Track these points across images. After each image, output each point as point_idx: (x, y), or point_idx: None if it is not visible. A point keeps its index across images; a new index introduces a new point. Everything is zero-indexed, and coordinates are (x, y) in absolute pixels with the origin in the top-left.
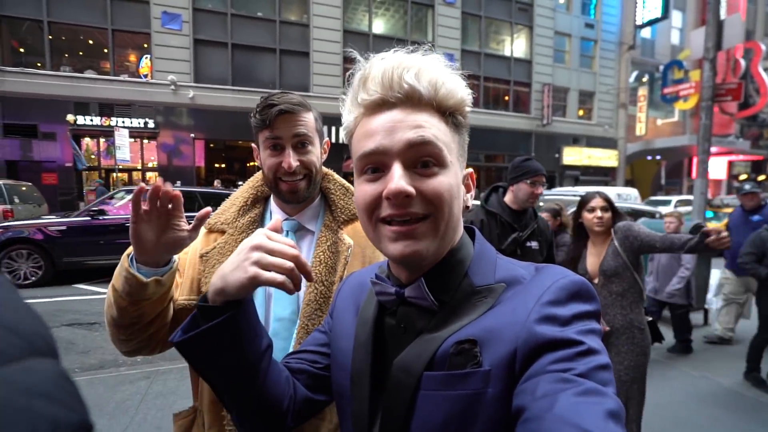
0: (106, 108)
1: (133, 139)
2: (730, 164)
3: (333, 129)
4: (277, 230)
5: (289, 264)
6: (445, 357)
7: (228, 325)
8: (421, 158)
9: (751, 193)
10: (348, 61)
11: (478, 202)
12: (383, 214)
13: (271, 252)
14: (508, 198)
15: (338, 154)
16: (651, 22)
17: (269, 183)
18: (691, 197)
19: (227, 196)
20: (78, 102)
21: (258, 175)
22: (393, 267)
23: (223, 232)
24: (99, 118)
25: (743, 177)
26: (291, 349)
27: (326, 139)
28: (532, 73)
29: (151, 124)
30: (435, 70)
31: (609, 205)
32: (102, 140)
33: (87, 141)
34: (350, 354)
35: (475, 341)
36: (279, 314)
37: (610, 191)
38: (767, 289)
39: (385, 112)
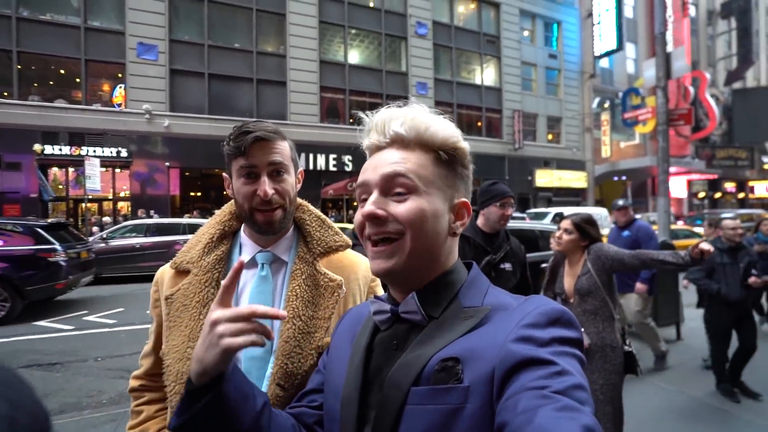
0: (77, 137)
1: (104, 169)
2: (689, 183)
3: (310, 156)
4: (237, 272)
5: (250, 325)
6: (430, 373)
7: (218, 401)
8: (394, 188)
9: (622, 208)
10: (324, 90)
11: None
12: (366, 233)
13: (231, 320)
14: (480, 222)
15: (317, 181)
16: (607, 53)
17: (243, 213)
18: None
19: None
20: (46, 131)
21: (225, 209)
22: (390, 288)
23: (188, 272)
24: (69, 147)
25: (702, 195)
26: (263, 389)
27: (300, 168)
28: (502, 100)
29: (124, 153)
30: (419, 117)
31: (575, 228)
32: (71, 170)
33: (54, 171)
34: (343, 378)
35: (458, 359)
36: (251, 353)
37: (581, 211)
38: (716, 303)
39: (377, 153)
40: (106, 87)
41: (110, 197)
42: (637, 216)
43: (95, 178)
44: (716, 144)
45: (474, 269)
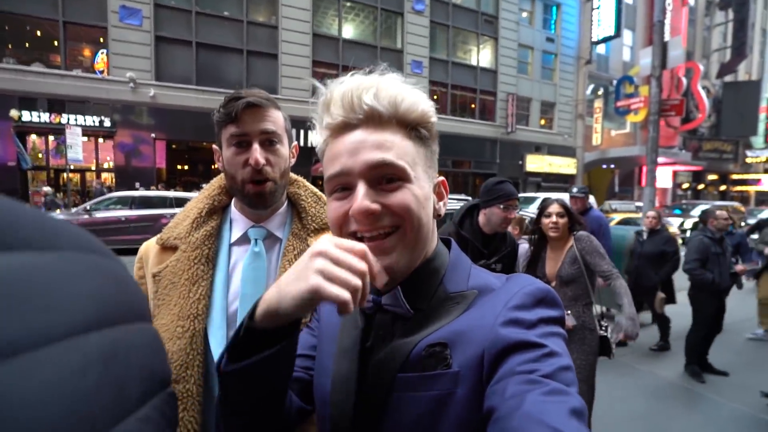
0: (57, 104)
1: (86, 138)
2: (675, 174)
3: (302, 132)
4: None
5: (357, 281)
6: (417, 359)
7: (278, 355)
8: (383, 176)
9: (578, 197)
10: (317, 64)
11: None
12: (351, 229)
13: (337, 262)
14: (481, 220)
15: (307, 158)
16: (605, 39)
17: (234, 185)
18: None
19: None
20: (23, 97)
21: (214, 182)
22: None
23: (176, 248)
24: (48, 114)
25: (686, 186)
26: None
27: (294, 143)
28: (497, 82)
29: (107, 123)
30: (393, 88)
31: (565, 212)
32: (51, 138)
33: (33, 138)
34: (332, 358)
35: (445, 344)
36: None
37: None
38: (706, 291)
39: (348, 133)
40: (86, 52)
41: (93, 168)
42: (596, 206)
43: (77, 147)
44: (703, 136)
45: (454, 248)
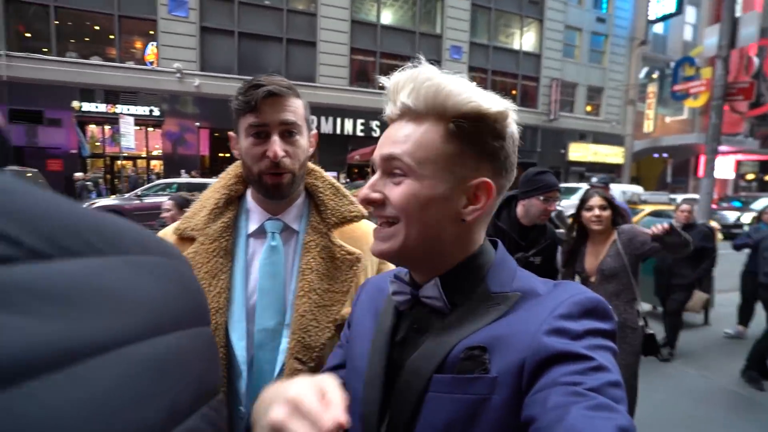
0: (112, 95)
1: (138, 127)
2: (738, 163)
3: (338, 120)
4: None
5: None
6: (455, 361)
7: None
8: (393, 169)
9: (599, 186)
10: (355, 51)
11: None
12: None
13: (302, 415)
14: (519, 212)
15: (343, 145)
16: (664, 18)
17: (251, 176)
18: (696, 196)
19: None
20: (84, 88)
21: (230, 171)
22: (409, 269)
23: (193, 239)
24: (104, 105)
25: (751, 176)
26: (278, 363)
27: (314, 131)
28: (540, 67)
29: (156, 112)
30: (430, 83)
31: (608, 204)
32: (107, 127)
33: (92, 128)
34: (366, 357)
35: (485, 348)
36: (264, 324)
37: (615, 188)
38: None
39: (391, 126)
40: (138, 44)
41: (144, 155)
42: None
43: (129, 136)
44: None
45: (500, 249)
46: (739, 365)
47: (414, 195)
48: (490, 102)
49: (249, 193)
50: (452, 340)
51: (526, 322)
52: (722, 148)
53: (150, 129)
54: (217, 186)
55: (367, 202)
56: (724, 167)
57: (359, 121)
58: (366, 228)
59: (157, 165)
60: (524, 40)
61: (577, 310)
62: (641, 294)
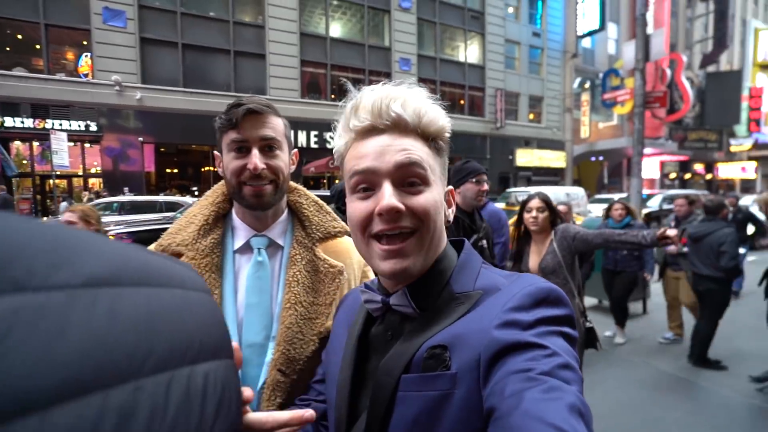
0: (40, 109)
1: (72, 143)
2: (662, 164)
3: (291, 133)
4: (248, 400)
5: None
6: (420, 361)
7: None
8: (408, 178)
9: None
10: (305, 64)
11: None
12: (375, 230)
13: None
14: (458, 200)
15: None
16: (590, 33)
17: (232, 189)
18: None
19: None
20: (5, 102)
21: (217, 189)
22: (382, 278)
23: (179, 255)
24: (32, 119)
25: (673, 176)
26: (262, 377)
27: (295, 150)
28: (485, 78)
29: (93, 127)
30: (419, 101)
31: (546, 206)
32: (35, 144)
33: (17, 145)
34: (338, 367)
35: (445, 347)
36: (250, 340)
37: (560, 191)
38: (729, 284)
39: (374, 137)
40: (70, 55)
41: (80, 173)
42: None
43: (63, 153)
44: (689, 126)
45: (465, 249)
46: (677, 350)
47: (434, 202)
48: (449, 125)
49: (234, 211)
50: (418, 342)
51: (481, 318)
52: (647, 150)
53: (87, 145)
54: (204, 203)
55: (395, 212)
56: (651, 168)
57: (313, 133)
58: (347, 242)
59: (96, 183)
60: (468, 52)
61: (528, 301)
62: (592, 289)
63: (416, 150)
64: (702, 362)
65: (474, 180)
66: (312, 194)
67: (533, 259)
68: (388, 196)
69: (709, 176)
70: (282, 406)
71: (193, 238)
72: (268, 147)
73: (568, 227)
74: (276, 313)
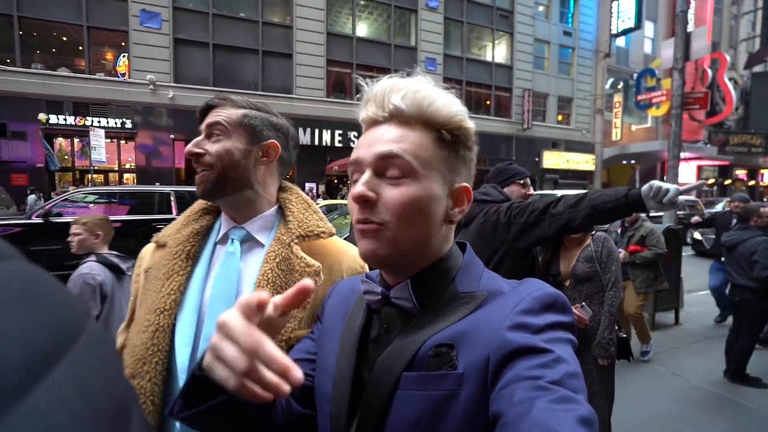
0: (81, 107)
1: (109, 140)
2: (699, 169)
3: (316, 131)
4: (259, 305)
5: (242, 363)
6: (423, 359)
7: (231, 405)
8: (388, 169)
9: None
10: (331, 63)
11: None
12: (354, 216)
13: (228, 336)
14: None
15: (322, 156)
16: (625, 32)
17: None
18: None
19: None
20: (51, 100)
21: None
22: (383, 271)
23: (165, 245)
24: (73, 117)
25: (711, 181)
26: None
27: (270, 141)
28: (512, 78)
29: (128, 125)
30: (422, 91)
31: None
32: (76, 140)
33: (60, 141)
34: (335, 357)
35: (452, 345)
36: (210, 333)
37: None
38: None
39: (375, 128)
40: (109, 56)
41: (116, 168)
42: None
43: (100, 149)
44: (730, 129)
45: (468, 252)
46: (710, 363)
47: (415, 196)
48: (466, 115)
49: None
50: (421, 338)
51: (490, 318)
52: (684, 154)
53: (122, 142)
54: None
55: (362, 199)
56: (687, 173)
57: (337, 132)
58: (339, 245)
59: (130, 178)
60: (496, 52)
61: (537, 305)
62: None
63: (408, 141)
64: (740, 379)
65: (521, 182)
66: (304, 195)
67: (564, 264)
68: (360, 183)
69: (752, 183)
70: None
71: (176, 230)
72: (212, 133)
73: (609, 241)
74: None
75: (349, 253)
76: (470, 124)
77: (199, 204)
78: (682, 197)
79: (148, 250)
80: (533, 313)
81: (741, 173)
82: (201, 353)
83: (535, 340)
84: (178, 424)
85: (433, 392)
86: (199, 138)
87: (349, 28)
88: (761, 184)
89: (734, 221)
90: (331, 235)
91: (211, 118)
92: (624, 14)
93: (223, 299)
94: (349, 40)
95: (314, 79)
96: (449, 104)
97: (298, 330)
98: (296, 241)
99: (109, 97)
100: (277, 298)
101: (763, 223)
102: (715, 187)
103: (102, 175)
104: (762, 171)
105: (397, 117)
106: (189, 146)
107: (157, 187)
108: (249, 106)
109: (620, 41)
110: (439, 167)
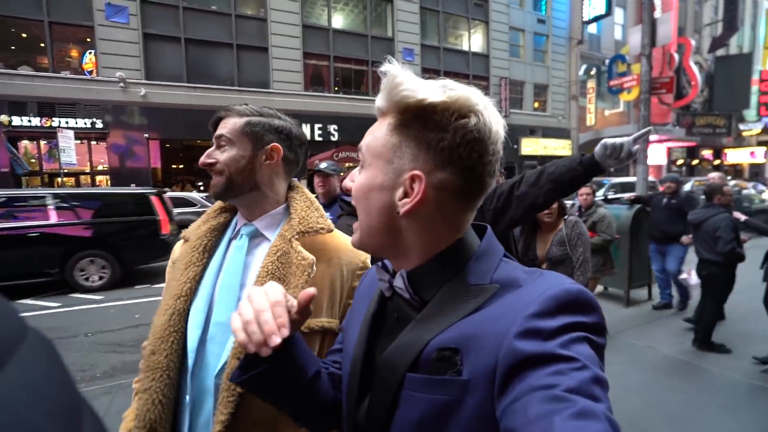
0: (46, 107)
1: (79, 141)
2: (669, 150)
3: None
4: (301, 300)
5: (247, 315)
6: (428, 361)
7: (269, 372)
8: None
9: (324, 174)
10: (308, 56)
11: None
12: None
13: (248, 299)
14: None
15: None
16: (596, 19)
17: None
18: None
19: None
20: (13, 101)
21: None
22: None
23: (188, 240)
24: (38, 118)
25: (680, 162)
26: (224, 355)
27: (273, 144)
28: (489, 67)
29: (99, 125)
30: (388, 81)
31: None
32: (43, 142)
33: (25, 143)
34: (354, 342)
35: (457, 349)
36: (218, 318)
37: None
38: (732, 267)
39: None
40: (74, 53)
41: (87, 171)
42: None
43: (70, 151)
44: (697, 111)
45: (486, 239)
46: (676, 333)
47: (360, 185)
48: (430, 93)
49: None
50: (425, 336)
51: (498, 320)
52: (654, 137)
53: (93, 142)
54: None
55: (346, 190)
56: (657, 154)
57: (317, 126)
58: (340, 240)
59: (103, 180)
60: (473, 41)
61: (552, 305)
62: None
63: (371, 133)
64: (707, 346)
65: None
66: (309, 193)
67: (540, 247)
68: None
69: (717, 162)
70: (241, 395)
71: (197, 226)
72: (220, 144)
73: (579, 224)
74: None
75: (348, 248)
76: (436, 98)
77: (218, 203)
78: (635, 146)
79: (178, 245)
80: (546, 316)
81: (707, 153)
82: (210, 335)
83: (547, 346)
84: (188, 398)
85: (437, 396)
86: (210, 149)
87: (325, 20)
88: (725, 163)
89: (664, 201)
90: (330, 231)
91: (218, 130)
92: (595, 1)
93: (229, 288)
94: (325, 32)
95: (291, 72)
96: (403, 84)
97: (314, 320)
98: (297, 237)
99: (77, 96)
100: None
101: (726, 201)
102: (684, 167)
103: (73, 178)
104: (726, 151)
105: (380, 112)
106: (202, 158)
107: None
108: (252, 114)
109: (592, 28)
110: (387, 156)
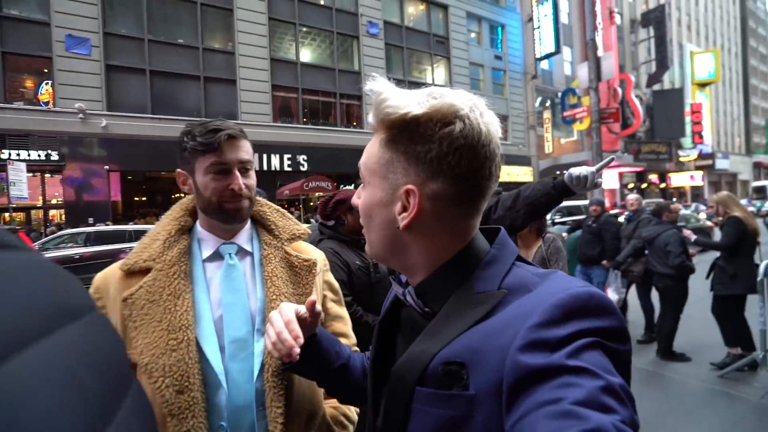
0: None
1: (31, 174)
2: (621, 175)
3: (264, 156)
4: (306, 310)
5: (272, 337)
6: (434, 375)
7: (296, 366)
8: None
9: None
10: (276, 88)
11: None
12: None
13: (270, 323)
14: None
15: (271, 181)
16: (547, 56)
17: (210, 205)
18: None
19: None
20: None
21: (177, 207)
22: None
23: (147, 270)
24: None
25: (631, 185)
26: (255, 368)
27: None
28: None
29: (54, 156)
30: (376, 100)
31: None
32: None
33: None
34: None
35: (463, 364)
36: (233, 335)
37: None
38: (685, 280)
39: None
40: (29, 83)
41: (39, 205)
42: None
43: (21, 184)
44: (641, 140)
45: (497, 244)
46: (648, 348)
47: (363, 203)
48: (413, 106)
49: (199, 223)
50: (431, 349)
51: (501, 333)
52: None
53: (47, 175)
54: (166, 220)
55: (354, 206)
56: (611, 179)
57: (286, 156)
58: (307, 246)
59: (56, 215)
60: (435, 75)
61: (559, 312)
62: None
63: (366, 152)
64: (669, 355)
65: None
66: (272, 204)
67: None
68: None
69: (663, 185)
70: (287, 388)
71: (160, 252)
72: (245, 169)
73: (556, 241)
74: (258, 308)
75: (315, 251)
76: (418, 111)
77: (170, 225)
78: (599, 179)
79: (111, 279)
80: (552, 325)
81: (654, 177)
82: (229, 353)
83: (553, 358)
84: (224, 423)
85: (444, 411)
86: (237, 176)
87: (292, 54)
88: (670, 186)
89: (588, 223)
90: (307, 235)
91: (239, 154)
92: (545, 40)
93: (236, 305)
94: (293, 66)
95: (260, 104)
96: (388, 100)
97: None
98: (286, 243)
99: (30, 127)
100: (302, 309)
101: (673, 218)
102: (635, 191)
103: (23, 213)
104: (669, 174)
105: (372, 127)
106: (240, 184)
107: None
108: (246, 136)
109: (544, 64)
110: (381, 172)
